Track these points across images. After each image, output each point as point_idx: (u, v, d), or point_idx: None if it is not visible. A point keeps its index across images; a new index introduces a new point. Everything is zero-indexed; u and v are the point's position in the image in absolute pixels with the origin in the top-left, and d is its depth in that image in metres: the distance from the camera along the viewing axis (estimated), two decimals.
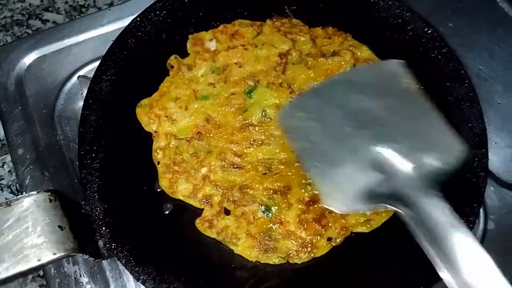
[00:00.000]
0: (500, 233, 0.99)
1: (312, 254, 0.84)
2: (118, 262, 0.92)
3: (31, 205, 0.73)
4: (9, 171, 1.14)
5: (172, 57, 0.98)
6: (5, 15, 1.32)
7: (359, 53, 0.98)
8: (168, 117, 0.93)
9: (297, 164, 0.89)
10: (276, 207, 0.86)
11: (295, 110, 0.82)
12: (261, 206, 0.87)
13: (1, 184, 1.13)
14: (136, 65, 0.97)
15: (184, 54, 1.00)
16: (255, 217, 0.86)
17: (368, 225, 0.86)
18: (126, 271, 0.91)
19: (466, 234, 0.63)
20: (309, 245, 0.84)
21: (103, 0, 1.34)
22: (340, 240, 0.85)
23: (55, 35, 1.15)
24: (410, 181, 0.70)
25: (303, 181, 0.88)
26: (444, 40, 0.97)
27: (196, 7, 1.02)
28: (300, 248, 0.84)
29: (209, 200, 0.88)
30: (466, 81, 0.93)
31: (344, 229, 0.85)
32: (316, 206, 0.86)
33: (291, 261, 0.84)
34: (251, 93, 0.95)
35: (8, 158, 1.15)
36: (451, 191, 0.84)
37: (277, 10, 1.03)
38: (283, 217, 0.86)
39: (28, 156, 1.02)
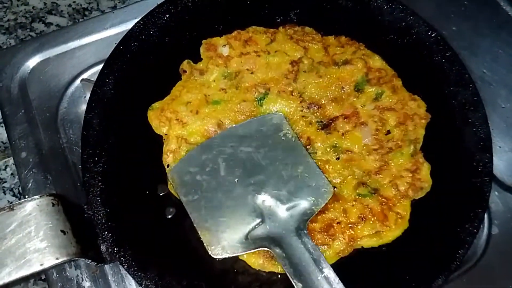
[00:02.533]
0: (504, 238, 0.98)
1: None
2: (120, 266, 0.92)
3: (34, 209, 0.73)
4: (11, 174, 1.14)
5: (185, 62, 0.99)
6: (8, 18, 1.32)
7: (371, 62, 0.98)
8: (179, 121, 0.93)
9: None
10: None
11: (186, 165, 0.88)
12: None
13: (4, 187, 1.12)
14: (140, 69, 0.97)
15: (187, 56, 1.00)
16: None
17: (377, 238, 0.86)
18: (128, 275, 0.91)
19: (328, 268, 0.76)
20: None
21: (106, 3, 1.34)
22: (348, 251, 0.85)
23: (58, 38, 1.15)
24: (285, 223, 0.80)
25: None
26: (448, 43, 0.96)
27: (199, 10, 1.02)
28: None
29: None
30: (470, 85, 0.93)
31: (352, 240, 0.85)
32: (323, 215, 0.86)
33: None
34: (262, 101, 0.95)
35: (10, 161, 1.15)
36: (456, 196, 0.85)
37: (281, 14, 1.04)
38: None
39: (31, 159, 1.02)
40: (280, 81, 0.97)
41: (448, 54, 0.96)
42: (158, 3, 1.01)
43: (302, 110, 0.95)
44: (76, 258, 0.74)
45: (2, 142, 1.16)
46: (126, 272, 0.89)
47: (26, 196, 0.98)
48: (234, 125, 0.92)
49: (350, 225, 0.85)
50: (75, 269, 0.94)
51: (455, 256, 0.81)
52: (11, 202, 0.98)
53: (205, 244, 0.81)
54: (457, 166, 0.89)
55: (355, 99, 0.96)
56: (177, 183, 0.86)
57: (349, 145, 0.92)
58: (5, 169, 1.14)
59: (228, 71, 0.98)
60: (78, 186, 1.02)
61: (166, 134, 0.94)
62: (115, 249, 0.81)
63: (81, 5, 1.34)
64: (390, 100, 0.95)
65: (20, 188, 1.10)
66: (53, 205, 0.75)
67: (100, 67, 0.97)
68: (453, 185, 0.87)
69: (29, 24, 1.31)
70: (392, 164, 0.90)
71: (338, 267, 0.82)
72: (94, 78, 0.96)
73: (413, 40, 0.99)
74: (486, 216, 0.99)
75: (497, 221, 1.00)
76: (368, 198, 0.88)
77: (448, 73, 0.95)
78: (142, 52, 0.98)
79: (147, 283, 0.79)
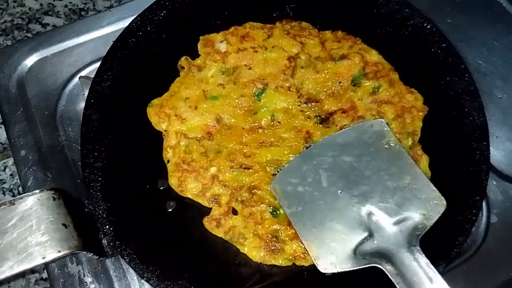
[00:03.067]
0: (503, 227, 0.99)
1: None
2: (122, 261, 0.92)
3: (35, 204, 0.73)
4: (11, 175, 1.14)
5: (183, 58, 0.99)
6: (5, 20, 1.32)
7: (368, 57, 0.99)
8: (178, 116, 0.94)
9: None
10: None
11: (287, 176, 0.85)
12: (269, 207, 0.87)
13: (3, 187, 1.12)
14: (137, 65, 0.97)
15: (185, 52, 1.00)
16: (263, 218, 0.86)
17: None
18: (130, 270, 0.92)
19: (443, 285, 0.70)
20: None
21: (102, 3, 1.35)
22: None
23: (55, 37, 1.15)
24: (394, 238, 0.75)
25: None
26: (443, 34, 0.97)
27: (196, 6, 1.03)
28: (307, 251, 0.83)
29: (218, 200, 0.88)
30: (466, 75, 0.94)
31: None
32: None
33: (297, 264, 0.84)
34: (260, 96, 0.96)
35: (9, 161, 1.15)
36: (454, 184, 0.86)
37: (277, 8, 1.04)
38: None
39: (30, 157, 1.02)
40: (278, 76, 0.98)
41: (443, 45, 0.97)
42: (155, 0, 1.02)
43: (300, 105, 0.95)
44: (78, 251, 0.74)
45: (1, 143, 1.16)
46: (127, 266, 0.89)
47: None
48: (332, 134, 0.89)
49: None
50: (77, 265, 0.94)
51: (455, 243, 0.81)
52: None
53: (312, 258, 0.78)
54: (455, 155, 0.90)
55: (352, 93, 0.96)
56: (279, 194, 0.84)
57: None
58: (4, 170, 1.14)
59: (226, 66, 0.99)
60: (78, 183, 1.02)
61: (165, 130, 0.94)
62: (117, 243, 0.81)
63: (77, 5, 1.35)
64: (387, 94, 0.96)
65: (19, 189, 1.10)
66: (54, 199, 0.75)
67: (97, 64, 0.98)
68: (452, 174, 0.88)
69: (26, 25, 1.31)
70: None
71: None
72: (92, 75, 0.96)
73: (409, 32, 1.00)
74: (484, 205, 0.99)
75: (495, 210, 1.00)
76: None
77: (444, 63, 0.96)
78: (140, 48, 0.99)
79: (149, 276, 0.79)
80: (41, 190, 0.75)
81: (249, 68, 0.98)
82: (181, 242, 0.85)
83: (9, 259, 0.69)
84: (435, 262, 0.79)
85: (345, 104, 0.95)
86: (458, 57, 0.95)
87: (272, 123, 0.94)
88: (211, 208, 0.88)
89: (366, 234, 0.77)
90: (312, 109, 0.95)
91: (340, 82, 0.97)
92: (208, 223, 0.87)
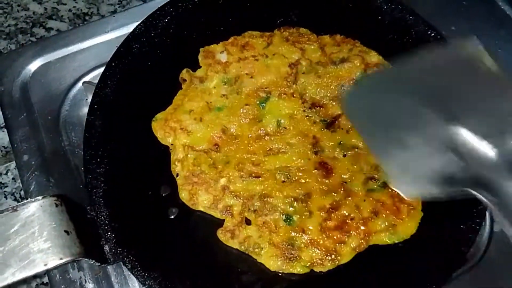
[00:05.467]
0: (507, 236, 0.98)
1: (337, 262, 0.83)
2: (124, 267, 0.92)
3: (37, 210, 0.73)
4: (13, 179, 1.14)
5: (184, 70, 0.99)
6: (9, 24, 1.32)
7: (368, 58, 0.98)
8: (184, 129, 0.93)
9: (315, 171, 0.89)
10: (297, 215, 0.86)
11: (362, 92, 0.78)
12: (282, 214, 0.86)
13: (5, 191, 1.13)
14: (141, 70, 0.97)
15: (189, 59, 1.00)
16: (277, 226, 0.86)
17: (393, 231, 0.85)
18: (132, 276, 0.91)
19: None
20: (334, 252, 0.83)
21: (106, 8, 1.35)
22: (364, 246, 0.84)
23: (59, 42, 1.15)
24: (493, 165, 0.65)
25: (323, 187, 0.88)
26: (447, 42, 0.97)
27: (200, 12, 1.03)
28: (325, 256, 0.83)
29: (230, 211, 0.87)
30: None
31: (367, 235, 0.84)
32: (337, 213, 0.86)
33: (316, 270, 0.83)
34: (264, 104, 0.96)
35: (12, 165, 1.15)
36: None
37: (281, 15, 1.04)
38: (305, 225, 0.85)
39: (33, 162, 1.02)
40: (280, 83, 0.97)
41: None
42: (159, 6, 1.02)
43: (304, 110, 0.95)
44: (80, 258, 0.74)
45: (4, 146, 1.16)
46: (129, 273, 0.89)
47: (29, 199, 0.98)
48: (414, 58, 0.75)
49: (363, 221, 0.85)
50: (78, 271, 0.94)
51: (459, 253, 0.81)
52: None
53: (392, 183, 0.72)
54: None
55: None
56: (349, 110, 0.78)
57: (354, 142, 0.92)
58: (6, 174, 1.15)
59: (228, 77, 0.98)
60: (80, 189, 1.02)
61: (172, 144, 0.93)
62: (119, 249, 0.81)
63: (81, 10, 1.35)
64: None
65: (21, 193, 1.10)
66: (56, 205, 0.75)
67: (101, 70, 0.98)
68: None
69: (30, 29, 1.32)
70: None
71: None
72: (95, 81, 0.96)
73: (413, 39, 0.99)
74: (488, 214, 0.99)
75: (499, 219, 0.99)
76: (378, 192, 0.87)
77: None
78: (144, 54, 0.99)
79: (150, 283, 0.79)
80: (44, 197, 0.75)
81: (251, 77, 0.98)
82: (183, 249, 0.85)
83: (12, 265, 0.69)
84: (438, 272, 0.79)
85: None
86: None
87: (278, 129, 0.94)
88: (212, 215, 0.88)
89: (455, 158, 0.67)
90: (317, 114, 0.95)
91: (342, 85, 0.97)
92: (223, 235, 0.86)
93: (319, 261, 0.83)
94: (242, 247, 0.85)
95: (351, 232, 0.84)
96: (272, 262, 0.83)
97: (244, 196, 0.88)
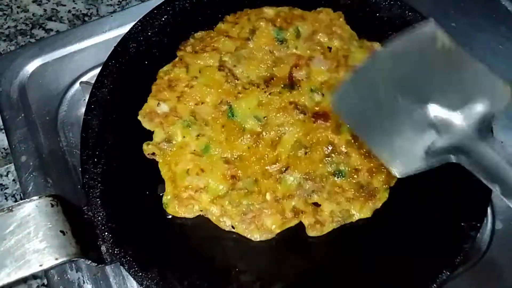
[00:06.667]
0: (508, 233, 0.98)
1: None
2: (122, 267, 0.92)
3: (33, 210, 0.73)
4: (13, 180, 1.14)
5: (144, 146, 0.92)
6: (8, 25, 1.33)
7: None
8: (198, 190, 0.88)
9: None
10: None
11: (347, 92, 0.81)
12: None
13: (6, 193, 1.12)
14: (138, 70, 0.97)
15: None
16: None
17: None
18: (130, 277, 0.91)
19: None
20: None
21: (106, 9, 1.35)
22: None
23: (57, 43, 1.15)
24: (464, 131, 0.73)
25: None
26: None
27: (197, 11, 1.03)
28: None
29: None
30: None
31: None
32: None
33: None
34: (233, 112, 0.93)
35: (12, 167, 1.14)
36: (459, 190, 0.85)
37: None
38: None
39: (31, 163, 1.02)
40: (226, 89, 0.94)
41: None
42: (156, 5, 1.02)
43: (266, 92, 0.94)
44: (76, 259, 0.74)
45: (4, 148, 1.16)
46: (127, 273, 0.89)
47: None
48: (382, 49, 0.85)
49: None
50: (76, 272, 0.94)
51: (460, 250, 0.80)
52: None
53: (386, 166, 0.77)
54: None
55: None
56: (339, 109, 0.83)
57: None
58: (6, 175, 1.15)
59: (185, 119, 0.93)
60: (78, 189, 1.02)
61: (201, 210, 0.88)
62: (116, 249, 0.80)
63: (80, 11, 1.35)
64: None
65: (21, 194, 1.10)
66: (52, 205, 0.75)
67: (99, 70, 0.97)
68: (457, 180, 0.86)
69: (29, 31, 1.32)
70: None
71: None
72: (93, 81, 0.96)
73: None
74: (489, 211, 0.99)
75: (500, 217, 0.99)
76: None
77: None
78: (141, 53, 0.98)
79: (148, 283, 0.79)
80: (40, 197, 0.74)
81: (202, 103, 0.94)
82: (181, 249, 0.84)
83: (7, 266, 0.69)
84: (440, 270, 0.79)
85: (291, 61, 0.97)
86: None
87: (261, 123, 0.92)
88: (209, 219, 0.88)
89: (434, 133, 0.75)
90: (278, 86, 0.95)
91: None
92: None
93: None
94: None
95: None
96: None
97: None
